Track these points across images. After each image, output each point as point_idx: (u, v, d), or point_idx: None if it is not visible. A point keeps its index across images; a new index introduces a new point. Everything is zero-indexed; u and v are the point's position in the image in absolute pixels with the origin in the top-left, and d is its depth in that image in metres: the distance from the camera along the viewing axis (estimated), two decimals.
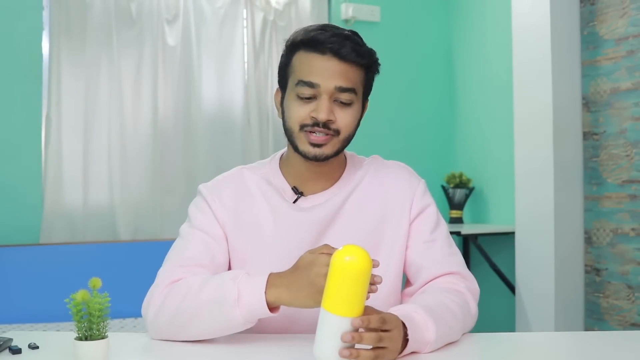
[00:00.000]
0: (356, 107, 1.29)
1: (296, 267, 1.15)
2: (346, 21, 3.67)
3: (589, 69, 3.06)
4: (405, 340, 1.09)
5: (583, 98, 3.09)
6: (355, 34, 1.29)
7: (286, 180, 1.36)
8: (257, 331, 1.33)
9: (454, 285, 1.30)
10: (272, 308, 1.16)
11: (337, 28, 1.28)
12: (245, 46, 3.47)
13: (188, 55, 3.32)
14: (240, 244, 1.33)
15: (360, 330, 1.00)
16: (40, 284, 2.76)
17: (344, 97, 1.26)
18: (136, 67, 3.23)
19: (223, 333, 1.21)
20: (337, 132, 1.27)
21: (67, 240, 3.03)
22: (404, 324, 1.09)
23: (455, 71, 3.95)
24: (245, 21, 3.48)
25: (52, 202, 3.02)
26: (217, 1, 3.42)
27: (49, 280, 2.77)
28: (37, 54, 3.03)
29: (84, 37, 3.11)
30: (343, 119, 1.27)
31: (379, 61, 1.33)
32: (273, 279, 1.16)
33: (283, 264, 1.28)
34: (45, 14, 3.07)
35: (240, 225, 1.34)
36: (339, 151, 1.31)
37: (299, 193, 1.35)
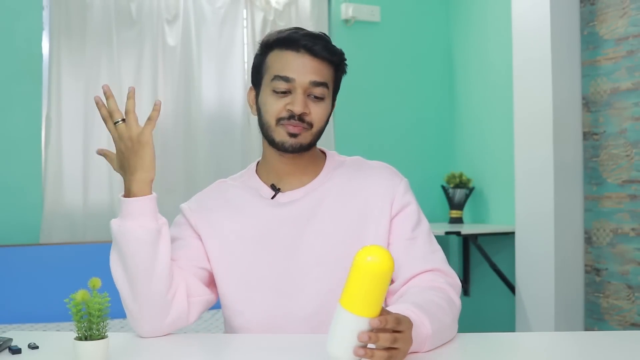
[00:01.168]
0: (327, 102, 1.35)
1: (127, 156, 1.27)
2: (346, 21, 3.66)
3: (589, 69, 3.06)
4: None
5: (583, 98, 3.09)
6: (325, 35, 1.37)
7: (263, 181, 1.40)
8: (245, 331, 1.33)
9: (435, 283, 1.31)
10: (136, 195, 1.24)
11: (308, 30, 1.36)
12: (245, 46, 3.47)
13: (188, 55, 3.32)
14: (217, 248, 1.35)
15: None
16: (40, 284, 2.76)
17: (318, 91, 1.32)
18: (136, 67, 3.23)
19: (143, 253, 1.23)
20: (310, 125, 1.32)
21: (67, 240, 3.03)
22: None
23: (455, 71, 3.95)
24: (245, 21, 3.48)
25: (52, 202, 3.02)
26: (217, 1, 3.42)
27: (49, 280, 2.77)
28: (37, 54, 3.03)
29: (84, 37, 3.11)
30: (316, 112, 1.32)
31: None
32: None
33: (265, 261, 1.32)
34: (45, 14, 3.07)
35: (217, 230, 1.36)
36: (312, 143, 1.35)
37: (276, 190, 1.36)
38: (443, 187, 3.70)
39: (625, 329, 2.87)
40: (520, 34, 3.19)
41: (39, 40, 3.03)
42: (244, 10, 3.48)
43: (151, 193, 1.25)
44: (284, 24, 3.52)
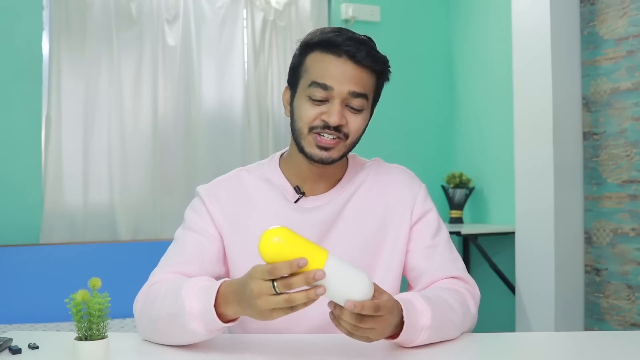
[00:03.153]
0: (366, 113, 1.29)
1: (245, 283, 1.05)
2: (346, 21, 3.66)
3: (589, 69, 3.06)
4: (402, 323, 1.09)
5: (583, 98, 3.09)
6: (370, 39, 1.29)
7: (287, 179, 1.36)
8: (258, 331, 1.33)
9: (454, 286, 1.31)
10: (230, 318, 1.11)
11: (353, 32, 1.27)
12: (245, 46, 3.47)
13: (188, 55, 3.32)
14: (238, 246, 1.32)
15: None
16: (40, 284, 2.76)
17: (356, 103, 1.25)
18: (136, 67, 3.23)
19: (195, 340, 1.17)
20: (346, 136, 1.26)
21: (67, 240, 3.03)
22: (401, 308, 1.10)
23: (455, 71, 3.95)
24: (245, 21, 3.48)
25: (52, 202, 3.02)
26: (217, 1, 3.42)
27: (49, 280, 2.77)
28: (37, 54, 3.03)
29: (84, 37, 3.11)
30: (353, 123, 1.26)
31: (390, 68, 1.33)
32: (224, 291, 1.10)
33: None
34: (45, 14, 3.07)
35: (238, 228, 1.32)
36: (345, 155, 1.30)
37: (300, 193, 1.34)
38: (443, 187, 3.70)
39: (625, 329, 2.87)
40: (520, 34, 3.19)
41: (39, 40, 3.03)
42: (244, 10, 3.47)
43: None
44: (284, 24, 3.52)
